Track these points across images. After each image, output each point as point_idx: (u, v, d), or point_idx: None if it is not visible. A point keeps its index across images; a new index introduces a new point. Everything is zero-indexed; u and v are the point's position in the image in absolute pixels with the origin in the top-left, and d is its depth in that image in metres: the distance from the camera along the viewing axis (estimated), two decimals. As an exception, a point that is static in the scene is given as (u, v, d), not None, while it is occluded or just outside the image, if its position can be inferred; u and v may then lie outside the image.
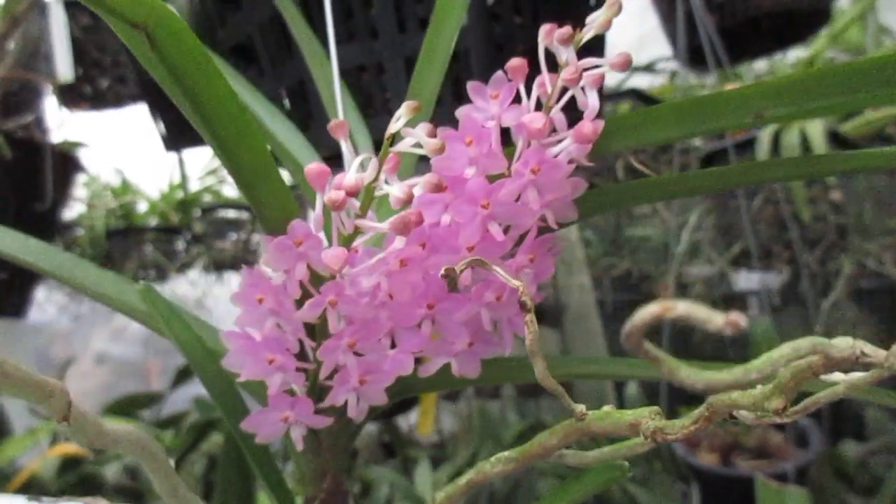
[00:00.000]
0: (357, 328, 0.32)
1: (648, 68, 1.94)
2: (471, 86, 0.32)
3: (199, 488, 2.25)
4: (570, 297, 2.40)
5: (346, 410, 0.36)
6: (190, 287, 2.67)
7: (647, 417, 0.24)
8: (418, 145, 0.29)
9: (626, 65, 0.30)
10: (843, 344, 0.16)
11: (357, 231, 0.30)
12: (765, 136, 1.54)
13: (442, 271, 0.28)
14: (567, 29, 0.30)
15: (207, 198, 2.69)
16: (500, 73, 0.32)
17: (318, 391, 0.35)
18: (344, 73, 0.60)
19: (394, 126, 0.29)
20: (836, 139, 1.73)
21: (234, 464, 1.59)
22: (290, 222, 0.31)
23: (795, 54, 1.95)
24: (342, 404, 0.35)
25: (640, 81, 2.06)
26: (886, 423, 2.11)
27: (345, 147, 0.30)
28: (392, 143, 0.30)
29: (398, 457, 2.57)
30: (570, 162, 0.32)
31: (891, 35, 1.98)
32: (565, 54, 0.30)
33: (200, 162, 2.69)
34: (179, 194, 2.66)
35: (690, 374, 0.14)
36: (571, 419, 0.28)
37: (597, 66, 0.30)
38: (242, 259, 2.55)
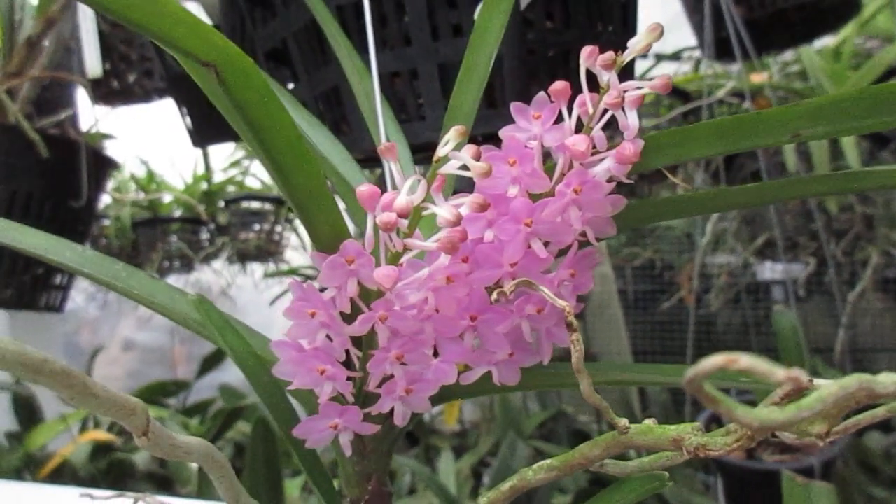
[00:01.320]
0: (404, 341, 0.33)
1: (675, 57, 1.93)
2: (514, 106, 0.33)
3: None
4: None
5: (390, 416, 0.37)
6: (215, 277, 2.71)
7: (690, 433, 0.25)
8: (464, 167, 0.30)
9: (667, 87, 0.31)
10: (888, 380, 0.17)
11: (405, 249, 0.32)
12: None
13: (494, 295, 0.30)
14: (609, 54, 0.31)
15: (231, 189, 2.72)
16: (542, 94, 0.33)
17: (363, 398, 0.37)
18: (378, 80, 0.61)
19: (441, 150, 0.30)
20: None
21: (262, 453, 1.62)
22: (341, 241, 0.32)
23: (822, 42, 1.92)
24: (387, 411, 0.36)
25: (666, 69, 2.05)
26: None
27: (394, 168, 0.32)
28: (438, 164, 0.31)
29: (421, 445, 2.60)
30: (610, 180, 0.33)
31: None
32: (607, 77, 0.31)
33: (224, 153, 2.72)
34: (204, 185, 2.69)
35: (746, 414, 0.15)
36: (614, 432, 0.29)
37: (638, 88, 0.31)
38: (266, 250, 2.57)
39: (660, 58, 1.91)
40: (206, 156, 2.60)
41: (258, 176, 2.61)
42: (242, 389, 2.62)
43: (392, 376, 0.34)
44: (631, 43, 0.31)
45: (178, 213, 2.63)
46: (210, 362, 2.77)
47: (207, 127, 1.46)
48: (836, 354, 1.72)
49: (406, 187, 0.30)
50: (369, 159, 0.68)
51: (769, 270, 2.52)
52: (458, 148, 0.30)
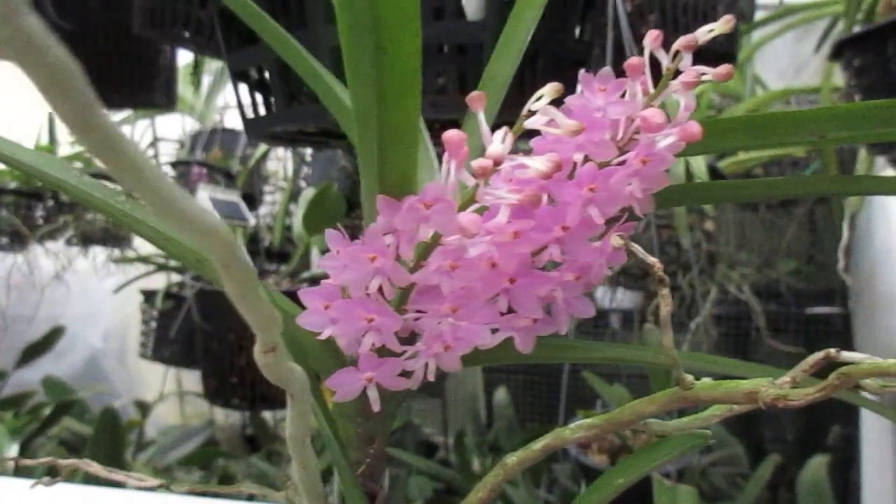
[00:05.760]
0: (459, 295, 0.33)
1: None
2: (582, 76, 0.34)
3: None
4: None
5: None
6: (48, 258, 2.48)
7: (767, 385, 0.28)
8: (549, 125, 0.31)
9: (729, 76, 0.34)
10: None
11: (473, 199, 0.32)
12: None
13: (617, 241, 0.31)
14: (692, 36, 0.33)
15: (78, 165, 2.51)
16: (607, 68, 0.34)
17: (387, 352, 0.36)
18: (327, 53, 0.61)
19: (534, 105, 0.31)
20: (715, 173, 1.90)
21: (106, 446, 1.49)
22: (407, 187, 0.32)
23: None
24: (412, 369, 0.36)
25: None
26: (725, 436, 2.33)
27: (481, 118, 0.32)
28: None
29: (263, 450, 2.51)
30: (662, 158, 0.35)
31: (762, 85, 2.20)
32: (684, 60, 0.33)
33: (73, 126, 2.51)
34: (45, 158, 2.46)
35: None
36: (676, 387, 0.30)
37: (703, 74, 0.34)
38: (113, 234, 2.40)
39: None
40: (52, 125, 2.39)
41: (111, 154, 2.43)
42: (70, 382, 2.41)
43: (439, 331, 0.34)
44: (701, 31, 0.34)
45: (12, 185, 2.38)
46: (31, 352, 2.53)
47: (101, 94, 1.34)
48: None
49: (498, 136, 0.30)
50: (326, 133, 0.66)
51: (607, 299, 2.68)
52: (472, 116, 0.31)
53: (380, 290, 0.34)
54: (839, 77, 1.66)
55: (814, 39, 2.00)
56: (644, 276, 2.03)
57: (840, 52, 1.27)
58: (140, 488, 0.42)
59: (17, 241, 2.31)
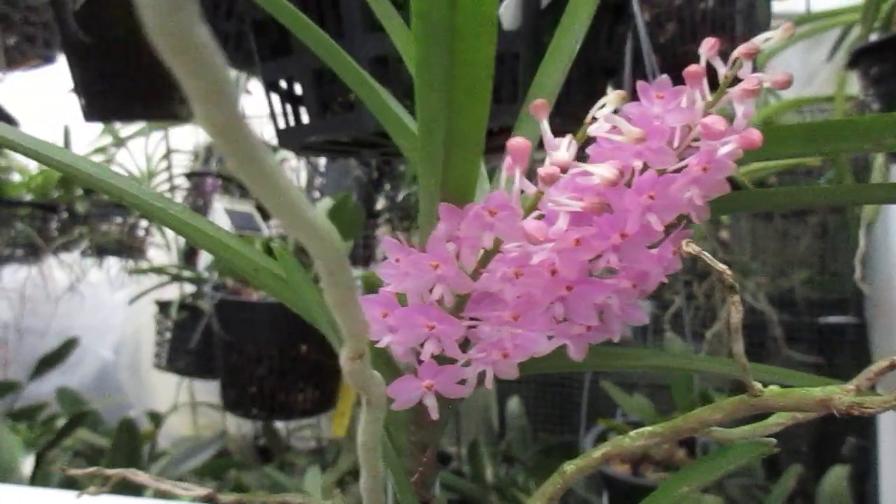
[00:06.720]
0: (520, 302, 0.33)
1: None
2: (639, 85, 0.34)
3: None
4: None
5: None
6: (63, 270, 2.49)
7: (840, 393, 0.27)
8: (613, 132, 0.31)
9: (788, 83, 0.34)
10: None
11: (534, 207, 0.32)
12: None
13: (687, 247, 0.31)
14: (752, 44, 0.33)
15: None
16: (664, 76, 0.34)
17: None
18: (365, 62, 0.61)
19: (598, 112, 0.31)
20: (729, 181, 1.89)
21: (124, 456, 1.48)
22: (467, 195, 0.32)
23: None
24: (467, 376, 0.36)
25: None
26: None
27: (545, 127, 0.32)
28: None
29: (275, 461, 2.51)
30: (719, 165, 0.35)
31: (775, 94, 2.20)
32: (745, 68, 0.33)
33: (87, 138, 2.52)
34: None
35: None
36: (742, 395, 0.30)
37: (761, 82, 0.34)
38: (127, 245, 2.41)
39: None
40: (66, 136, 2.40)
41: (125, 165, 2.44)
42: (83, 394, 2.41)
43: (499, 338, 0.34)
44: (759, 39, 0.34)
45: (28, 197, 2.40)
46: (46, 364, 2.53)
47: (104, 101, 1.36)
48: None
49: (565, 144, 0.30)
50: (358, 143, 0.67)
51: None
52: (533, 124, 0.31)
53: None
54: (853, 86, 1.66)
55: (824, 49, 2.00)
56: (661, 286, 2.02)
57: (857, 60, 1.27)
58: (191, 498, 0.41)
59: (32, 254, 2.32)
